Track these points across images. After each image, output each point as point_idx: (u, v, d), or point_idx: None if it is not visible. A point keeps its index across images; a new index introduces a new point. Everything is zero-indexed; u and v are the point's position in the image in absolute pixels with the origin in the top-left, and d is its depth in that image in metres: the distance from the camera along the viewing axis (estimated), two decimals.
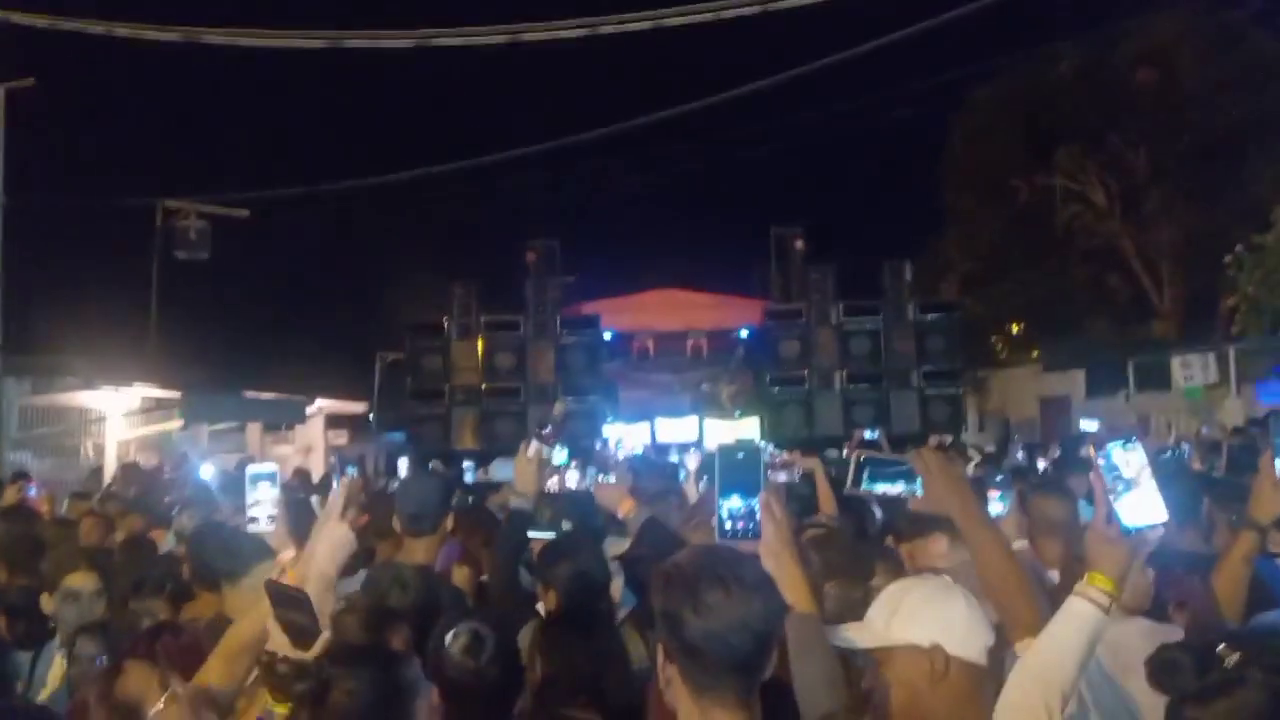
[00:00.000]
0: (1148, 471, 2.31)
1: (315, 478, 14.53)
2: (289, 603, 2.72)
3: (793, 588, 2.58)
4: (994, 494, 5.19)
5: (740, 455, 2.74)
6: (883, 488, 2.99)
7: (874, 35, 15.22)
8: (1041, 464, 11.95)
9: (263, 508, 3.38)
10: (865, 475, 2.97)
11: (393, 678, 2.58)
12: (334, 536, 2.96)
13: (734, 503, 2.69)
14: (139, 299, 26.43)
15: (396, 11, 42.87)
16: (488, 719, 3.03)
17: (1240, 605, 3.66)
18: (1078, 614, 2.27)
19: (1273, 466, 3.62)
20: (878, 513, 5.90)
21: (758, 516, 2.68)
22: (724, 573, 2.23)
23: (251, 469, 3.48)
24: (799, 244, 25.31)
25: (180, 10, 14.82)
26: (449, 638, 3.04)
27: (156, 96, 46.06)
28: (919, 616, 2.53)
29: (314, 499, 8.84)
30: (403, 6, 34.26)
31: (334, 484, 10.73)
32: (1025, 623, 2.56)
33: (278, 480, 3.43)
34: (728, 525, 2.67)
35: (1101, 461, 2.34)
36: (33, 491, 9.99)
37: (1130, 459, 2.32)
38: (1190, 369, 21.17)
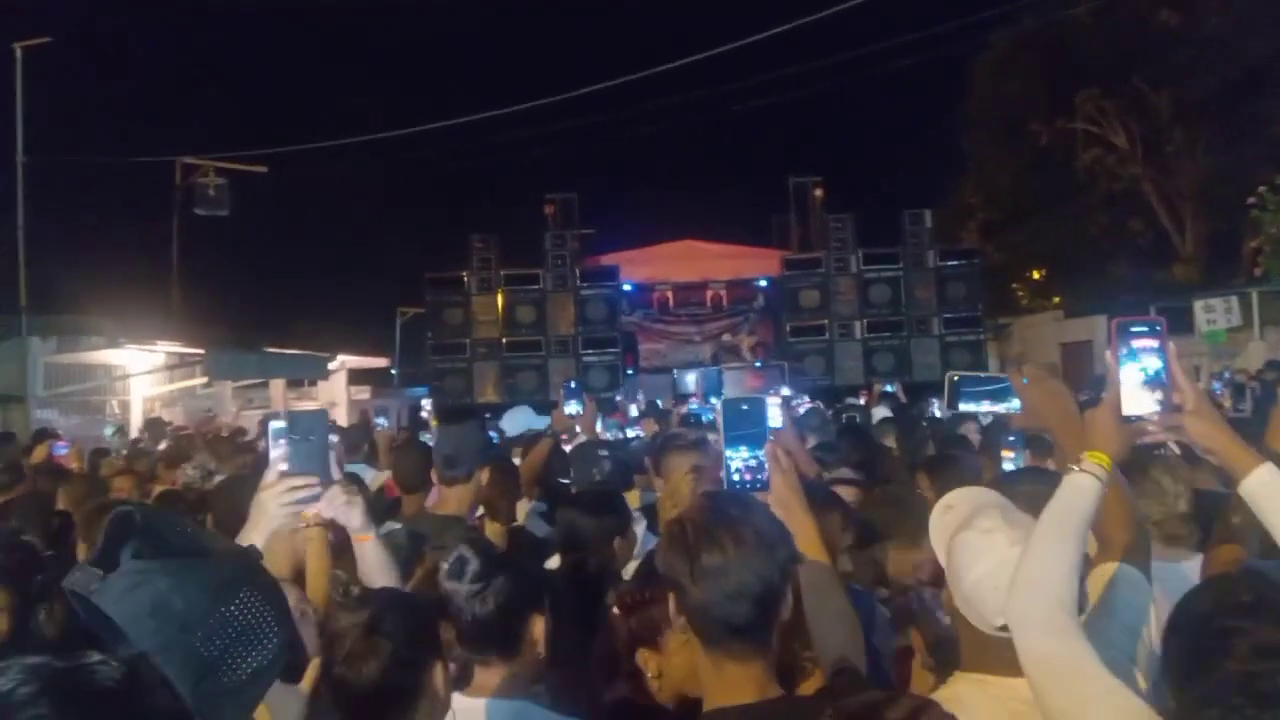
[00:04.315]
0: (1160, 359, 2.32)
1: None
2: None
3: (803, 536, 2.57)
4: (1008, 454, 5.05)
5: (745, 407, 2.74)
6: (974, 406, 3.01)
7: None
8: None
9: (290, 463, 3.38)
10: (960, 396, 2.98)
11: (430, 616, 2.68)
12: (260, 511, 2.94)
13: (741, 454, 2.70)
14: (161, 256, 26.60)
15: None
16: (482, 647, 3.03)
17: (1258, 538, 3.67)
18: (1077, 486, 2.29)
19: None
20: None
21: (765, 468, 2.69)
22: (724, 533, 2.20)
23: (274, 423, 3.48)
24: (818, 193, 25.21)
25: None
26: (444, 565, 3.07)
27: (173, 53, 45.97)
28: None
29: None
30: None
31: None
32: (1121, 542, 2.57)
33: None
34: (735, 478, 2.68)
35: (1121, 347, 2.34)
36: (63, 449, 10.08)
37: (1148, 344, 2.33)
38: (1213, 312, 21.03)
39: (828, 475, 5.35)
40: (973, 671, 2.55)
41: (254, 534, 2.84)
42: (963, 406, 3.01)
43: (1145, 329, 2.34)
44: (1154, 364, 2.32)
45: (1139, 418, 2.33)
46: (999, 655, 2.40)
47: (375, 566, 3.05)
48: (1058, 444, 2.82)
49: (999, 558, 2.46)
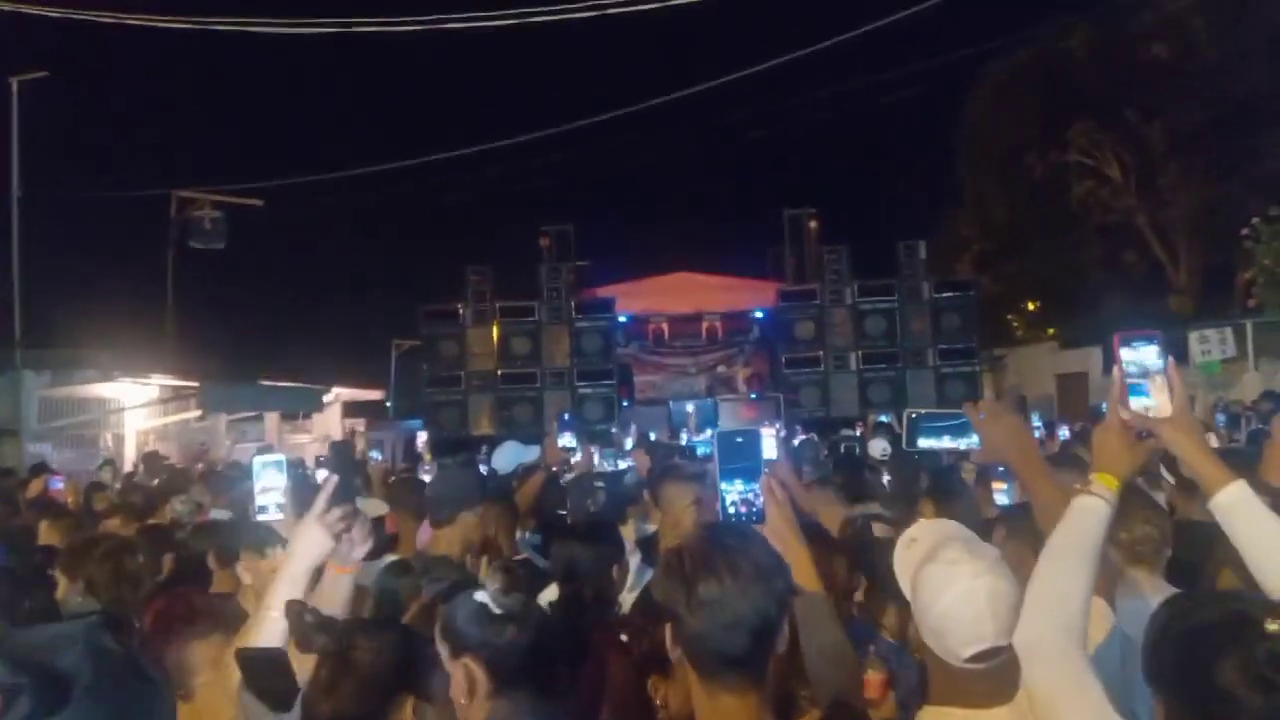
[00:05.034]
0: (1161, 373, 2.36)
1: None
2: (262, 668, 2.72)
3: (799, 569, 2.57)
4: (998, 486, 4.99)
5: (739, 440, 2.75)
6: (935, 442, 3.00)
7: (887, 12, 15.18)
8: (1064, 432, 12.07)
9: (271, 495, 3.40)
10: (918, 432, 2.97)
11: (414, 646, 2.61)
12: (310, 537, 2.96)
13: (736, 487, 2.70)
14: (155, 290, 26.55)
15: None
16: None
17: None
18: (1085, 508, 2.30)
19: None
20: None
21: (760, 501, 2.69)
22: (722, 563, 2.20)
23: (259, 458, 3.51)
24: (813, 225, 25.30)
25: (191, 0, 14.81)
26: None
27: (169, 87, 46.15)
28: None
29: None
30: None
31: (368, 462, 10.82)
32: None
33: (285, 468, 3.45)
34: (730, 510, 2.68)
35: (1126, 358, 2.37)
36: (58, 484, 10.04)
37: (1146, 356, 2.37)
38: (1208, 344, 21.04)
39: (859, 510, 5.32)
40: (940, 705, 2.54)
41: (301, 563, 2.88)
42: (922, 443, 3.01)
43: (1144, 341, 2.41)
44: (1150, 372, 2.39)
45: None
46: (966, 688, 2.42)
47: (342, 600, 3.03)
48: (1020, 476, 2.83)
49: (963, 589, 2.46)
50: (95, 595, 4.84)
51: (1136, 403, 2.37)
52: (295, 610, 2.70)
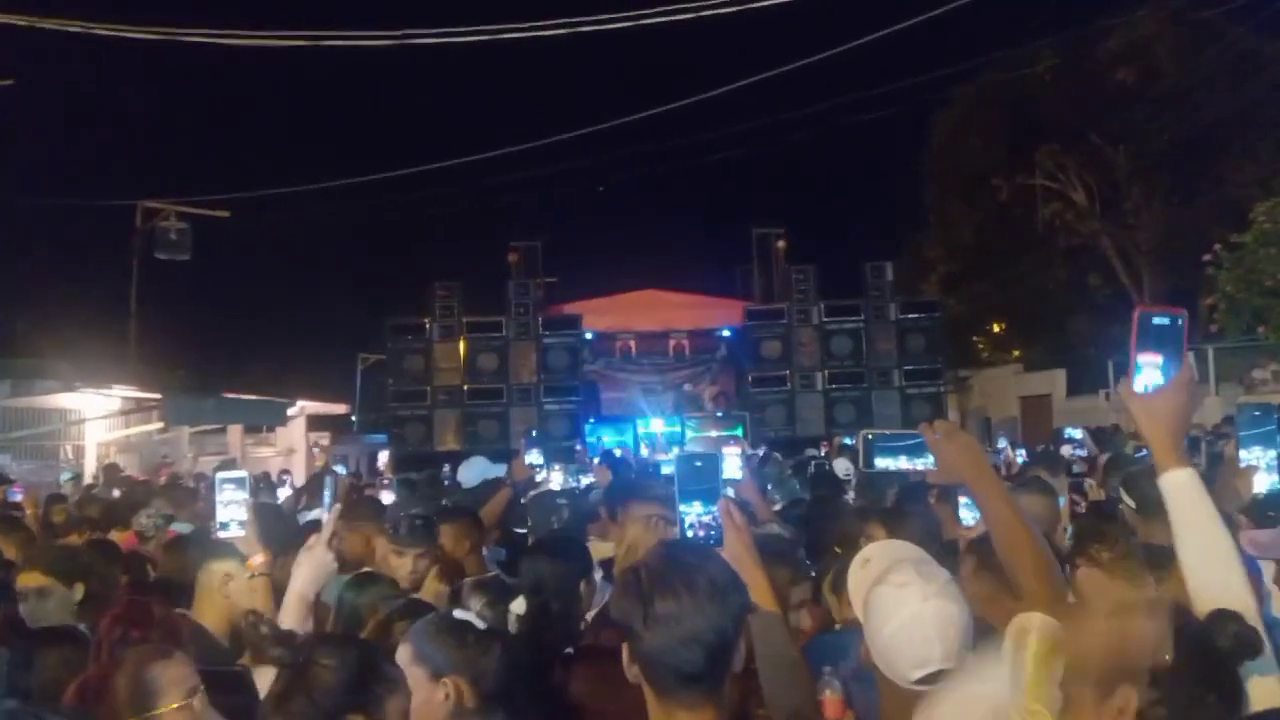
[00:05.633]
0: (1176, 348, 2.38)
1: (298, 479, 14.51)
2: (226, 684, 2.71)
3: (756, 590, 2.59)
4: (965, 499, 4.92)
5: (698, 464, 2.77)
6: (891, 462, 3.02)
7: (854, 35, 15.26)
8: (1021, 455, 12.14)
9: (232, 511, 3.39)
10: (875, 453, 2.99)
11: (374, 664, 2.57)
12: (317, 560, 2.98)
13: (695, 509, 2.71)
14: (119, 300, 26.34)
15: (376, 11, 42.75)
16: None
17: None
18: (1182, 484, 2.33)
19: (1237, 456, 3.65)
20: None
21: (719, 523, 2.71)
22: (679, 580, 2.20)
23: (221, 474, 3.51)
24: (780, 244, 25.35)
25: (160, 10, 14.72)
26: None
27: (136, 97, 45.89)
28: None
29: (283, 499, 8.89)
30: (383, 6, 34.10)
31: (326, 484, 10.73)
32: (1035, 591, 2.57)
33: (247, 485, 3.45)
34: (689, 533, 2.69)
35: (1142, 330, 2.39)
36: (17, 496, 9.94)
37: (1163, 334, 2.39)
38: None
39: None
40: None
41: (309, 586, 2.92)
42: (879, 463, 3.02)
43: (1167, 320, 2.41)
44: (1169, 351, 2.38)
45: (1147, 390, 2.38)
46: (916, 711, 2.40)
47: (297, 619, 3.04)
48: (975, 496, 2.86)
49: (912, 612, 2.49)
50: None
51: (1140, 379, 2.37)
52: (251, 622, 2.69)
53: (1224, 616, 2.04)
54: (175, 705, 2.66)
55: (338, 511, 3.14)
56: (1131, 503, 5.07)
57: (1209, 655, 1.95)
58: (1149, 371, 2.37)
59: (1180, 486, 2.35)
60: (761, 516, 5.12)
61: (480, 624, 2.82)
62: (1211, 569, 2.30)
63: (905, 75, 29.54)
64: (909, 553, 2.76)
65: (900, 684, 2.49)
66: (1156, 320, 2.40)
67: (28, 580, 4.98)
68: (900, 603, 2.52)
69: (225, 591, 3.62)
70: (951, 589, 2.59)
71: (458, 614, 2.88)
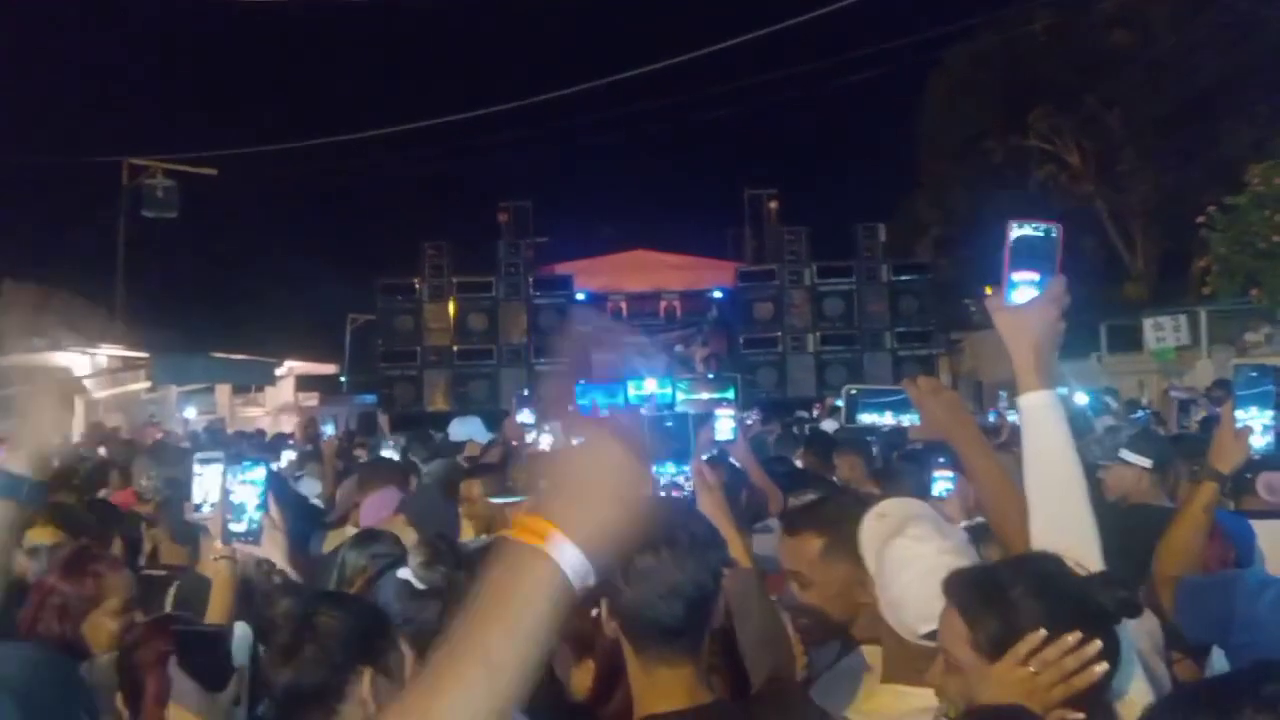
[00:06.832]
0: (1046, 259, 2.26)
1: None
2: (198, 644, 2.66)
3: (732, 549, 2.56)
4: (943, 474, 4.71)
5: (669, 423, 2.75)
6: (875, 418, 2.97)
7: None
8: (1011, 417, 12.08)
9: (209, 492, 3.37)
10: (858, 409, 2.94)
11: (376, 618, 2.59)
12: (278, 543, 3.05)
13: (667, 470, 2.72)
14: (106, 258, 26.18)
15: None
16: None
17: (1199, 554, 3.65)
18: (1040, 406, 2.29)
19: (1233, 417, 3.61)
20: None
21: (690, 484, 2.71)
22: (659, 535, 2.18)
23: (199, 455, 3.51)
24: (773, 205, 25.28)
25: None
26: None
27: (122, 52, 45.47)
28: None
29: (305, 474, 8.86)
30: None
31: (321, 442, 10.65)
32: (1021, 545, 2.52)
33: (223, 471, 3.42)
34: (661, 494, 2.69)
35: (1015, 240, 2.26)
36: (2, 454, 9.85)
37: (1038, 246, 2.26)
38: (1162, 330, 21.24)
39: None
40: (894, 683, 2.57)
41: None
42: (862, 419, 3.00)
43: (1040, 233, 2.26)
44: (1045, 266, 2.25)
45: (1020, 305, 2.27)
46: (921, 666, 2.39)
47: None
48: (960, 453, 2.82)
49: (927, 566, 2.47)
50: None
51: (1019, 293, 2.25)
52: (264, 571, 2.70)
53: (1107, 579, 2.07)
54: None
55: (354, 483, 3.18)
56: (1147, 462, 5.07)
57: (1090, 611, 2.00)
58: (1024, 290, 2.25)
59: (1038, 408, 2.28)
60: (753, 477, 5.07)
61: (417, 584, 2.83)
62: (1054, 502, 2.25)
63: (899, 36, 29.39)
64: (925, 510, 2.77)
65: (908, 637, 2.51)
66: (1029, 233, 2.26)
67: (39, 536, 4.94)
68: (916, 556, 2.53)
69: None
70: (968, 549, 2.61)
71: (400, 573, 2.89)
